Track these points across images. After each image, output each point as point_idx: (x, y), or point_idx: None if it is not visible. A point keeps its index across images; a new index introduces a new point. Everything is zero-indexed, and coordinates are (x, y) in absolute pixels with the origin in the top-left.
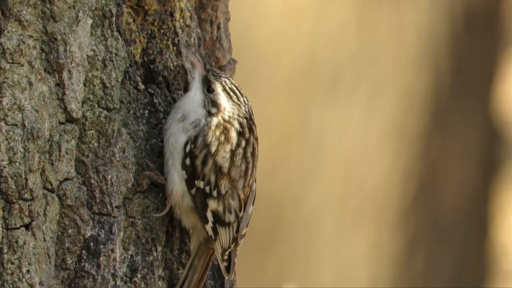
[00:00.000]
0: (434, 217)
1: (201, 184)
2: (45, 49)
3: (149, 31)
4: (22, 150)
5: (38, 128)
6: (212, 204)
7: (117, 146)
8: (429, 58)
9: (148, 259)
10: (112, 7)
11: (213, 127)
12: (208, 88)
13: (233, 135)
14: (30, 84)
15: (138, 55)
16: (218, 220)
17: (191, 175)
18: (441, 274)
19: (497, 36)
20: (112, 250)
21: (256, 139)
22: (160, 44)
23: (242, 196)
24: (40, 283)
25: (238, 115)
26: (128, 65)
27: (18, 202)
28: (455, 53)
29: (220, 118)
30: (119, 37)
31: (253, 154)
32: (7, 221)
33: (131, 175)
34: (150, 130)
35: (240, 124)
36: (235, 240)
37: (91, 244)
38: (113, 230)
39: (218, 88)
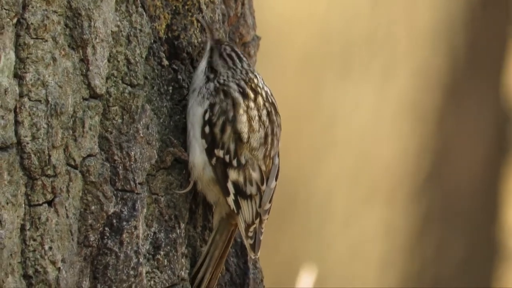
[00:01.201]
0: (447, 195)
1: (220, 153)
2: (69, 24)
3: (174, 7)
4: (45, 126)
5: (61, 104)
6: (233, 175)
7: (141, 123)
8: (443, 36)
9: (171, 236)
10: None
11: (214, 93)
12: (210, 56)
13: (236, 95)
14: (54, 59)
15: (163, 31)
16: (240, 192)
17: (211, 143)
18: (453, 252)
19: (510, 17)
20: (135, 227)
21: (268, 102)
22: (184, 20)
23: (263, 168)
24: (63, 260)
25: (233, 77)
26: (152, 41)
27: (41, 178)
28: (470, 31)
29: (216, 82)
30: (144, 13)
31: (270, 118)
32: (29, 197)
33: (155, 151)
34: (174, 107)
35: (238, 85)
36: (258, 216)
37: (114, 221)
38: (136, 207)
39: (215, 54)
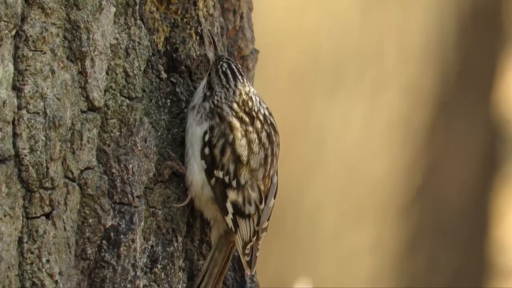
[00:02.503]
0: (437, 211)
1: (220, 174)
2: (68, 37)
3: (172, 20)
4: (43, 138)
5: (60, 116)
6: (232, 195)
7: (139, 135)
8: (433, 52)
9: (169, 250)
10: None
11: (209, 114)
12: (209, 73)
13: (231, 119)
14: (53, 72)
15: (161, 44)
16: (238, 211)
17: (210, 165)
18: (442, 269)
19: (501, 33)
20: (133, 240)
21: (266, 123)
22: (183, 33)
23: (262, 187)
24: (60, 273)
25: (226, 99)
26: (150, 54)
27: (39, 191)
28: (460, 48)
29: (211, 102)
30: (142, 26)
31: (269, 139)
32: (27, 210)
33: (153, 164)
34: (172, 120)
35: (231, 108)
36: (256, 234)
37: (112, 234)
38: (134, 220)
39: (213, 71)
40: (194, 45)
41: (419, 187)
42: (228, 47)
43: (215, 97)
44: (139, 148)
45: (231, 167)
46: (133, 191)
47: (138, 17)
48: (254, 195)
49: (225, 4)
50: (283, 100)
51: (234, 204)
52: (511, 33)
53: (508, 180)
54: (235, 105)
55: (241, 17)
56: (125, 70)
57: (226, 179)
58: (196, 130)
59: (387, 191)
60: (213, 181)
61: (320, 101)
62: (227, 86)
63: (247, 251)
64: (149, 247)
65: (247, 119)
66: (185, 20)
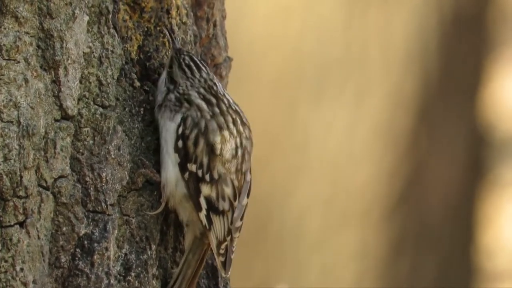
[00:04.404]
0: (420, 217)
1: (193, 167)
2: (41, 45)
3: (146, 28)
4: (17, 147)
5: (33, 125)
6: (205, 190)
7: (112, 144)
8: (416, 59)
9: (142, 258)
10: (109, 4)
11: (176, 103)
12: (169, 67)
13: (199, 101)
14: (26, 81)
15: (134, 52)
16: (212, 207)
17: (184, 158)
18: (426, 274)
19: (484, 39)
20: (106, 249)
21: (235, 111)
22: (156, 41)
23: (236, 183)
24: (34, 282)
25: (192, 86)
26: (124, 62)
27: (12, 200)
28: (442, 54)
29: (176, 93)
30: (116, 34)
31: (236, 128)
32: (1, 218)
33: (126, 172)
34: (146, 128)
35: (198, 92)
36: (230, 233)
37: (85, 242)
38: (108, 228)
39: (174, 65)
40: (167, 53)
41: (402, 192)
42: (201, 55)
43: (180, 88)
44: (113, 156)
45: (205, 160)
46: (107, 199)
47: (111, 26)
48: (228, 190)
49: (198, 12)
50: (267, 106)
51: (208, 200)
52: (496, 38)
53: (494, 186)
54: (201, 89)
55: (214, 25)
56: (98, 79)
57: (200, 172)
58: (170, 126)
59: (371, 196)
60: (186, 175)
61: (304, 108)
62: (192, 77)
63: (221, 251)
64: (123, 255)
65: (213, 100)
66: (158, 28)
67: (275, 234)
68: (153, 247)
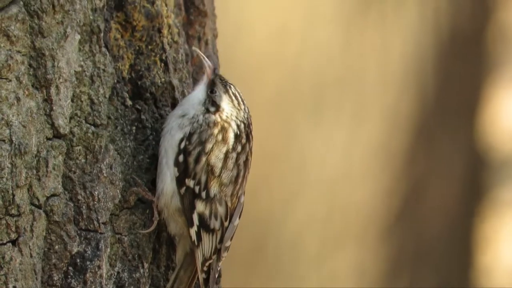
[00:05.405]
0: (418, 236)
1: (191, 183)
2: (33, 64)
3: (137, 47)
4: (9, 165)
5: (25, 143)
6: (200, 206)
7: (104, 162)
8: (413, 80)
9: (135, 276)
10: (100, 23)
11: (211, 124)
12: (211, 90)
13: (231, 135)
14: (18, 99)
15: (126, 71)
16: (203, 224)
17: (183, 172)
18: None
19: (482, 59)
20: (99, 267)
21: (251, 150)
22: (147, 60)
23: (229, 204)
24: None
25: (237, 117)
26: (115, 81)
27: (5, 218)
28: (440, 75)
29: (217, 116)
30: (107, 53)
31: (245, 163)
32: None
33: (118, 191)
34: (137, 146)
35: (238, 126)
36: (217, 252)
37: (78, 260)
38: (100, 247)
39: (220, 90)
40: (158, 72)
41: (400, 212)
42: (193, 74)
43: (224, 113)
44: (105, 175)
45: (203, 178)
46: (99, 217)
47: (103, 45)
48: (221, 210)
49: (189, 31)
50: (265, 125)
51: (201, 216)
52: (494, 58)
53: (492, 206)
54: (242, 126)
55: (206, 44)
56: (90, 97)
57: (197, 189)
58: (175, 134)
59: (369, 215)
60: (183, 190)
61: (301, 127)
62: (238, 107)
63: (205, 268)
64: (115, 274)
65: (244, 140)
66: (150, 47)
67: (273, 253)
68: (146, 265)
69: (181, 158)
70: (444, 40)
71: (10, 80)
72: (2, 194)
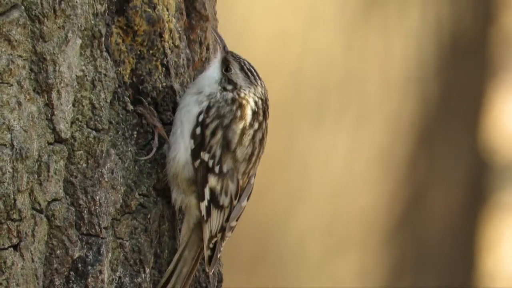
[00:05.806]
0: (420, 241)
1: (206, 156)
2: (34, 69)
3: (138, 52)
4: (10, 170)
5: (26, 148)
6: (212, 181)
7: (106, 167)
8: (416, 85)
9: (136, 281)
10: (102, 28)
11: (229, 101)
12: (226, 68)
13: (249, 112)
14: (19, 104)
15: (127, 76)
16: (214, 199)
17: (198, 145)
18: None
19: (484, 64)
20: (100, 272)
21: (267, 128)
22: (149, 64)
23: (240, 182)
24: None
25: (254, 94)
26: (117, 85)
27: (6, 223)
28: (442, 80)
29: (235, 93)
30: (108, 58)
31: (261, 142)
32: None
33: (120, 196)
34: (139, 151)
35: (256, 103)
36: (222, 230)
37: (79, 265)
38: (101, 251)
39: (235, 67)
40: (160, 77)
41: (402, 217)
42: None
43: (242, 91)
44: (106, 179)
45: (218, 151)
46: (100, 222)
47: (104, 49)
48: (232, 187)
49: (191, 36)
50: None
51: (212, 191)
52: (496, 63)
53: (495, 211)
54: (260, 102)
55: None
56: (91, 102)
57: (210, 163)
58: (193, 108)
59: (371, 221)
60: (197, 163)
61: (303, 132)
62: (255, 83)
63: (211, 245)
64: (117, 278)
65: (261, 117)
66: (151, 52)
67: (275, 259)
68: (147, 270)
69: (198, 130)
70: (447, 44)
71: (12, 85)
72: (4, 198)
